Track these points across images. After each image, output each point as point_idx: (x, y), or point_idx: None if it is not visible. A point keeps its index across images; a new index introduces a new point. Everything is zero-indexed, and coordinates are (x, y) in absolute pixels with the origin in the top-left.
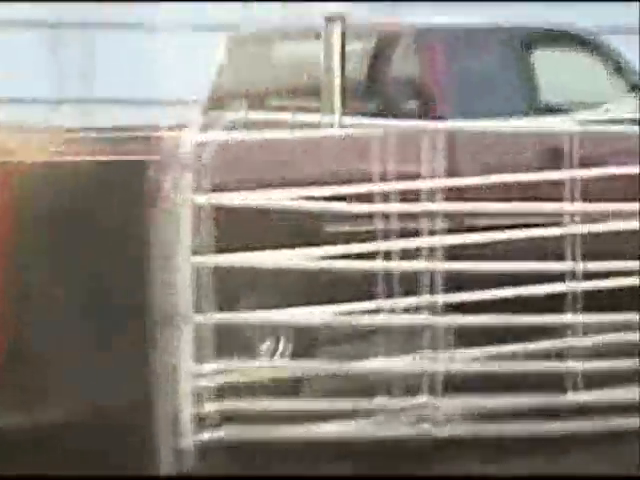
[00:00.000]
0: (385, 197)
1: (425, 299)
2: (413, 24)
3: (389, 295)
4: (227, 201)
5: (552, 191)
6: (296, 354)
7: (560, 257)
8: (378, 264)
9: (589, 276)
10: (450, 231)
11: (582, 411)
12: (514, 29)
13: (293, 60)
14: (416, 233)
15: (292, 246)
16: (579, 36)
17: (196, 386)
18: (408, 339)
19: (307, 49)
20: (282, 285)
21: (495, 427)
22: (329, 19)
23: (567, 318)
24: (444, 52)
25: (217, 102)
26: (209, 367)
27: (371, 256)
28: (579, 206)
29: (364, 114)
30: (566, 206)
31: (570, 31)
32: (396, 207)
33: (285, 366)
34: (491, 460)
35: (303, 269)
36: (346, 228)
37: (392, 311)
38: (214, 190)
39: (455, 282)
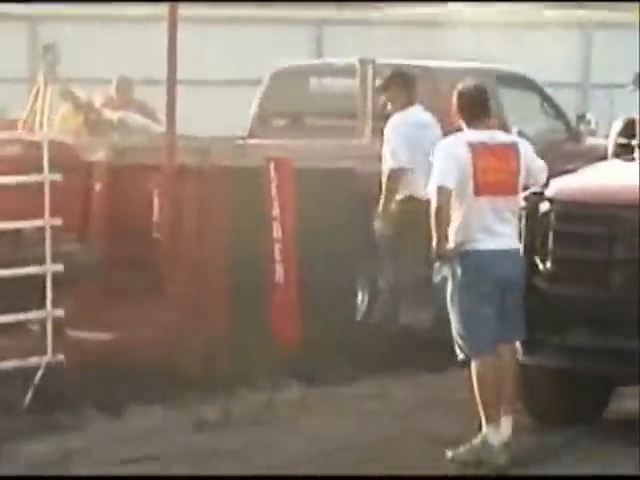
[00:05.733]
0: None
1: None
2: (423, 65)
3: None
4: None
5: None
6: None
7: None
8: None
9: None
10: None
11: None
12: (491, 70)
13: (324, 90)
14: None
15: None
16: (530, 80)
17: None
18: None
19: (333, 83)
20: None
21: None
22: (363, 61)
23: None
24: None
25: (261, 120)
26: None
27: None
28: None
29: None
30: None
31: (525, 75)
32: None
33: None
34: None
35: None
36: None
37: None
38: None
39: None
